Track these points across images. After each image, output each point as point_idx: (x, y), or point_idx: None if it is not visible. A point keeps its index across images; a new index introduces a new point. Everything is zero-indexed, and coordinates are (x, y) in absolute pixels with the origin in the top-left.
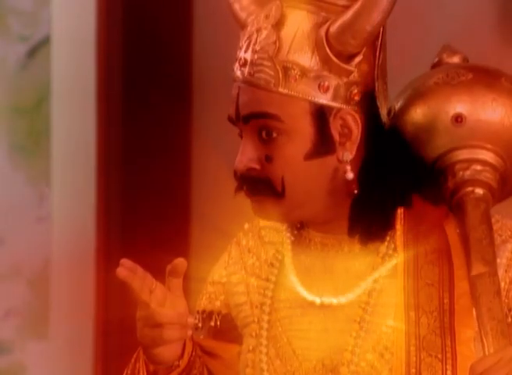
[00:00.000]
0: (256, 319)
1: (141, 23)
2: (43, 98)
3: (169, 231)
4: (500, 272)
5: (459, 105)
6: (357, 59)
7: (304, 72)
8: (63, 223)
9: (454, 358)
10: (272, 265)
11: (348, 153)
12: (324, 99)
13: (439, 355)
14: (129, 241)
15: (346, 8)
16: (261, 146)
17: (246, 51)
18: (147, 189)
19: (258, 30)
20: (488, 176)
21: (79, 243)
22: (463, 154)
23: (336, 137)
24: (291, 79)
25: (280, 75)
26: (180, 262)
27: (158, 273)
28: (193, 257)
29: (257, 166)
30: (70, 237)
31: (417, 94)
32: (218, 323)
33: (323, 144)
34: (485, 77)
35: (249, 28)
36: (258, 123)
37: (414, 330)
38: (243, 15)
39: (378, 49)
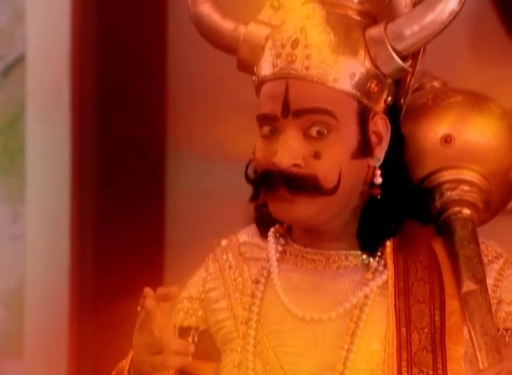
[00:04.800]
0: (241, 335)
1: (116, 42)
2: (17, 117)
3: (143, 252)
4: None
5: (448, 126)
6: (409, 62)
7: (359, 70)
8: (38, 242)
9: None
10: (257, 281)
11: (378, 158)
12: (370, 100)
13: (430, 372)
14: (103, 260)
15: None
16: (307, 143)
17: (294, 48)
18: (122, 208)
19: (303, 29)
20: (474, 196)
21: (53, 262)
22: (451, 174)
23: (371, 140)
24: (348, 76)
25: (338, 71)
26: (174, 290)
27: (132, 292)
28: (168, 278)
29: (302, 163)
30: (45, 256)
31: (405, 114)
32: (196, 339)
33: (364, 144)
34: (473, 100)
35: (286, 29)
36: (312, 119)
37: (405, 346)
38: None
39: (420, 56)
